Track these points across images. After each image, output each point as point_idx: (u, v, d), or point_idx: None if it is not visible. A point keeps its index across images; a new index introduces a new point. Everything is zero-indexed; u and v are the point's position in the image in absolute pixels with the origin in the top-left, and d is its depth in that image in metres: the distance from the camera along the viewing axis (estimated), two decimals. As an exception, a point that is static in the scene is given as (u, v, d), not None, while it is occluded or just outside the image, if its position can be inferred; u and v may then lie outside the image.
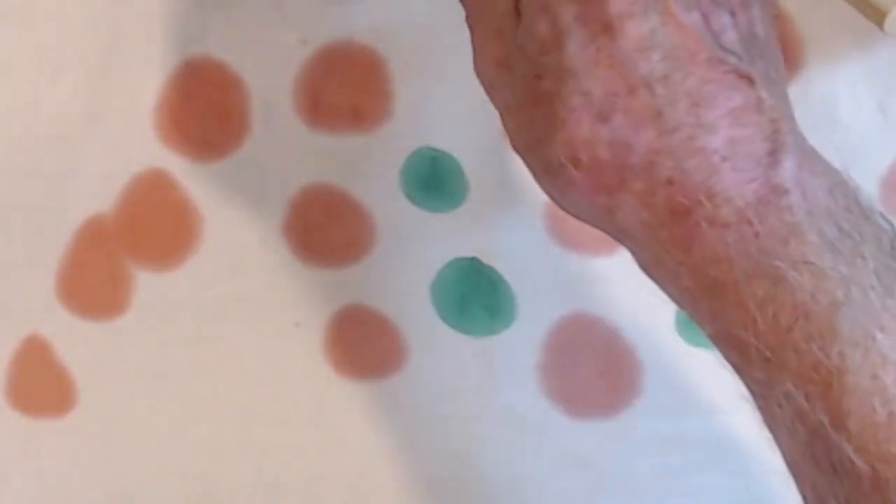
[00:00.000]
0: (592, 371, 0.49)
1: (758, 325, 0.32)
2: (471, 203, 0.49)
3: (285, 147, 0.49)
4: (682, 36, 0.33)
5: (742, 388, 0.34)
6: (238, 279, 0.49)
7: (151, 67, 0.48)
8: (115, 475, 0.49)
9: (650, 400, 0.49)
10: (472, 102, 0.48)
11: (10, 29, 0.48)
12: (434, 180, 0.49)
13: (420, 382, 0.49)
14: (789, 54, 0.46)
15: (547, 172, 0.35)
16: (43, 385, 0.49)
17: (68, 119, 0.49)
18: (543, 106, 0.34)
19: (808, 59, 0.47)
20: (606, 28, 0.33)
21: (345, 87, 0.48)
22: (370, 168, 0.49)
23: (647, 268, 0.35)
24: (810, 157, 0.34)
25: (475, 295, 0.49)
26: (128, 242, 0.49)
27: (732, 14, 0.34)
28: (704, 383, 0.49)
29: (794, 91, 0.36)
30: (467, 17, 0.37)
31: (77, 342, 0.49)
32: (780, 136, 0.33)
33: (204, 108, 0.49)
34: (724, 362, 0.34)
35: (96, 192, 0.49)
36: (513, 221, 0.49)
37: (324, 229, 0.49)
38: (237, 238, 0.49)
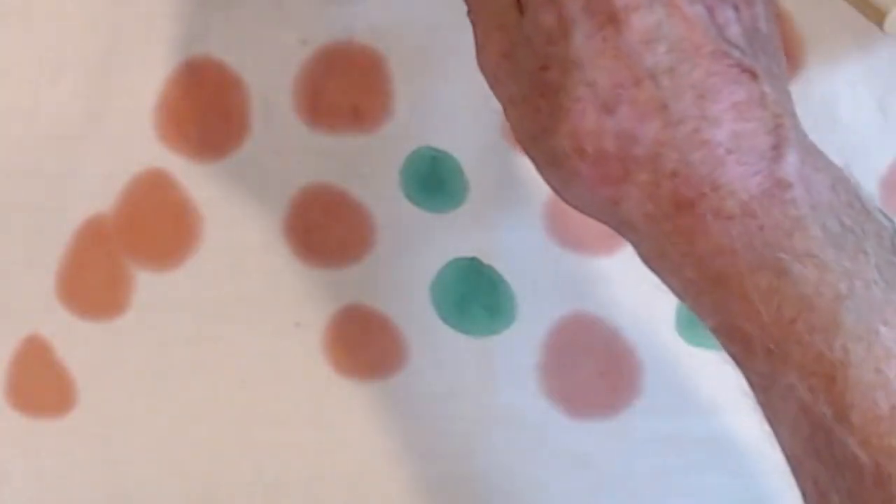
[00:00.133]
0: (592, 371, 0.49)
1: (762, 316, 0.32)
2: (471, 203, 0.49)
3: (285, 147, 0.49)
4: (688, 28, 0.33)
5: (743, 384, 0.34)
6: (238, 279, 0.49)
7: (151, 67, 0.48)
8: (115, 475, 0.49)
9: (650, 400, 0.49)
10: (472, 102, 0.48)
11: (10, 29, 0.48)
12: (434, 180, 0.49)
13: (420, 382, 0.49)
14: (789, 54, 0.46)
15: (551, 164, 0.35)
16: (43, 385, 0.49)
17: (68, 119, 0.49)
18: (549, 97, 0.34)
19: (808, 59, 0.47)
20: (612, 19, 0.33)
21: (345, 87, 0.48)
22: (370, 168, 0.49)
23: (649, 260, 0.35)
24: (812, 152, 0.34)
25: (475, 295, 0.49)
26: (128, 242, 0.49)
27: (736, 9, 0.34)
28: (704, 383, 0.49)
29: (795, 91, 0.36)
30: (469, 12, 0.37)
31: (77, 342, 0.49)
32: (782, 131, 0.33)
33: (204, 108, 0.49)
34: (725, 361, 0.35)
35: (96, 192, 0.49)
36: (513, 221, 0.49)
37: (324, 229, 0.49)
38: (237, 238, 0.49)
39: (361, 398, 0.49)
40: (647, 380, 0.49)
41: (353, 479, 0.49)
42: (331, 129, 0.49)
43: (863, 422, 0.31)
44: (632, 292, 0.48)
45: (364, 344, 0.49)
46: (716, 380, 0.48)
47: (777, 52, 0.35)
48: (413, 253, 0.49)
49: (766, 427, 0.34)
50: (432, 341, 0.49)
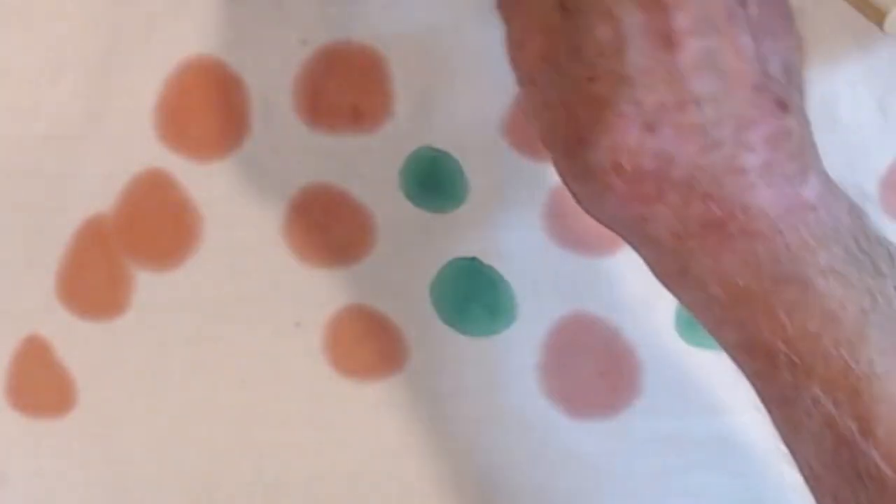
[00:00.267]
0: (592, 371, 0.49)
1: (787, 330, 0.33)
2: (471, 203, 0.49)
3: (285, 147, 0.49)
4: (737, 60, 0.34)
5: (753, 396, 0.34)
6: (238, 279, 0.49)
7: (151, 67, 0.48)
8: (115, 475, 0.49)
9: (650, 400, 0.49)
10: (473, 102, 0.48)
11: (10, 29, 0.48)
12: (434, 180, 0.49)
13: (420, 382, 0.49)
14: (789, 54, 0.46)
15: (583, 175, 0.35)
16: (43, 385, 0.49)
17: (68, 119, 0.49)
18: (592, 108, 0.34)
19: (808, 59, 0.47)
20: (668, 41, 0.33)
21: (345, 87, 0.48)
22: (370, 168, 0.49)
23: (667, 275, 0.35)
24: (830, 179, 0.35)
25: (475, 295, 0.49)
26: (128, 242, 0.49)
27: (776, 40, 0.35)
28: (704, 383, 0.49)
29: (795, 91, 0.36)
30: (501, 7, 0.37)
31: (77, 342, 0.49)
32: (806, 159, 0.34)
33: (204, 108, 0.49)
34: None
35: (96, 192, 0.49)
36: (513, 221, 0.49)
37: (324, 229, 0.49)
38: (237, 238, 0.49)
39: (361, 398, 0.49)
40: (647, 380, 0.49)
41: (353, 479, 0.49)
42: (331, 129, 0.49)
43: (888, 435, 0.31)
44: (632, 292, 0.48)
45: (364, 344, 0.49)
46: (716, 380, 0.48)
47: (801, 82, 0.36)
48: (413, 253, 0.49)
49: (767, 427, 0.35)
50: (432, 341, 0.49)
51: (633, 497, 0.49)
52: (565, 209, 0.49)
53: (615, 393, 0.49)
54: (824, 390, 0.32)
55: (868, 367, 0.32)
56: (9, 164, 0.49)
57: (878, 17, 0.42)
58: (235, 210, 0.49)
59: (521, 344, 0.49)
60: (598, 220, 0.36)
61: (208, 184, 0.49)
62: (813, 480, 0.33)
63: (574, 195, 0.36)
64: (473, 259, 0.49)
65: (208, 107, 0.49)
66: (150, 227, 0.49)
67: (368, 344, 0.49)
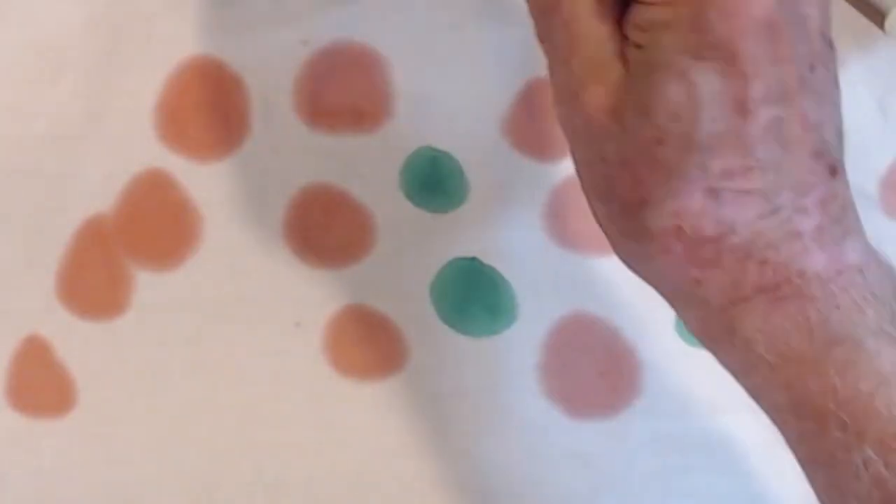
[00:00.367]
0: (592, 371, 0.49)
1: (838, 391, 0.32)
2: (471, 203, 0.49)
3: (285, 147, 0.49)
4: (801, 128, 0.33)
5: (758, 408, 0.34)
6: (238, 279, 0.49)
7: (151, 67, 0.48)
8: (115, 475, 0.49)
9: (650, 400, 0.49)
10: (472, 102, 0.48)
11: (10, 29, 0.48)
12: (434, 180, 0.49)
13: (420, 382, 0.49)
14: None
15: (638, 235, 0.34)
16: (43, 385, 0.49)
17: (68, 119, 0.49)
18: (659, 172, 0.33)
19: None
20: (742, 109, 0.33)
21: (345, 87, 0.48)
22: (370, 168, 0.49)
23: (711, 336, 0.35)
24: (869, 242, 0.35)
25: (475, 295, 0.49)
26: (128, 242, 0.49)
27: (832, 105, 0.34)
28: (704, 383, 0.49)
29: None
30: (543, 41, 0.35)
31: (77, 342, 0.49)
32: (850, 223, 0.34)
33: (204, 108, 0.49)
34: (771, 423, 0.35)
35: (96, 192, 0.49)
36: (513, 221, 0.49)
37: (324, 229, 0.49)
38: (237, 238, 0.49)
39: (361, 398, 0.49)
40: (647, 380, 0.49)
41: (353, 479, 0.49)
42: (331, 129, 0.49)
43: None
44: (632, 292, 0.48)
45: (364, 344, 0.49)
46: (716, 380, 0.48)
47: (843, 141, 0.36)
48: (413, 253, 0.49)
49: (766, 427, 0.35)
50: (432, 341, 0.49)
51: (633, 497, 0.49)
52: (565, 209, 0.49)
53: (615, 393, 0.49)
54: (877, 452, 0.32)
55: None
56: (9, 164, 0.49)
57: (878, 17, 0.42)
58: (235, 210, 0.49)
59: (521, 344, 0.49)
60: (642, 277, 0.35)
61: (208, 184, 0.49)
62: None
63: (618, 250, 0.35)
64: (473, 259, 0.49)
65: (208, 107, 0.49)
66: (150, 227, 0.49)
67: (368, 344, 0.49)
